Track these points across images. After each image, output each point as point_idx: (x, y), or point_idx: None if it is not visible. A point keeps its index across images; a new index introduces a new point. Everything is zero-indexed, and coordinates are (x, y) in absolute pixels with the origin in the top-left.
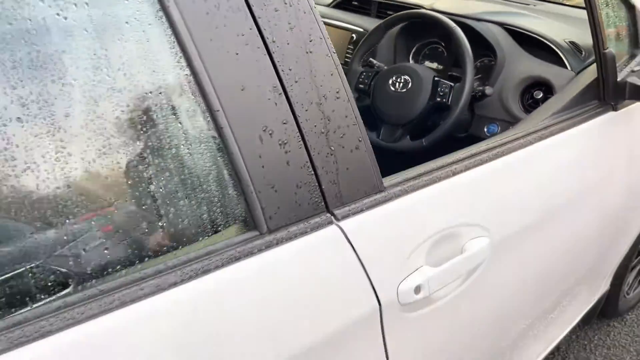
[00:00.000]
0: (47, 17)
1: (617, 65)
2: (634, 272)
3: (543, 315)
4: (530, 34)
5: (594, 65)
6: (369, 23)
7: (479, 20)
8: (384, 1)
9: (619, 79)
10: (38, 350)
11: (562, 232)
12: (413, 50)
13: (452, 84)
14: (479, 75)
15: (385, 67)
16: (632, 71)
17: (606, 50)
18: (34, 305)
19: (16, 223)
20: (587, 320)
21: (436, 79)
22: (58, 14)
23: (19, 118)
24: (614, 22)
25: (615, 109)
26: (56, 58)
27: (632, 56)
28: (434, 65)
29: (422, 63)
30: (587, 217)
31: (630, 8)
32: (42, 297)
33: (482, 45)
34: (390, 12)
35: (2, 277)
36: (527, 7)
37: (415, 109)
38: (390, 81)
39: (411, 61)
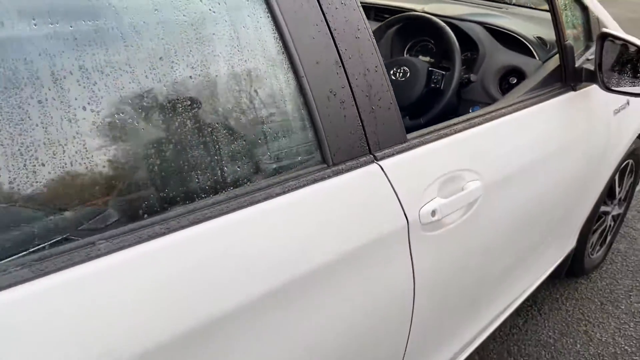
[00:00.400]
0: (205, 11)
1: (575, 54)
2: (596, 235)
3: (523, 257)
4: (505, 31)
5: (557, 55)
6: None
7: (463, 20)
8: (380, 6)
9: (576, 66)
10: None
11: (535, 185)
12: (407, 47)
13: (443, 72)
14: (465, 66)
15: (386, 61)
16: (587, 59)
17: (566, 43)
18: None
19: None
20: (558, 275)
21: (430, 69)
22: (210, 9)
23: (201, 72)
24: (571, 20)
25: (574, 89)
26: (213, 37)
27: (587, 47)
28: (427, 58)
29: (416, 57)
30: (555, 176)
31: (584, 9)
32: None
33: (466, 41)
34: (387, 16)
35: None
36: (502, 10)
37: (414, 94)
38: (392, 72)
39: (406, 55)
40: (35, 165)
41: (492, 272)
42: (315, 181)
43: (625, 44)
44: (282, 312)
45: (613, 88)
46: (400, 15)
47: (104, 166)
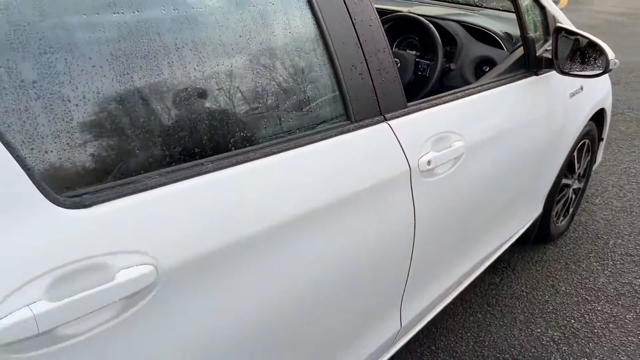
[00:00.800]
0: (268, 4)
1: (536, 46)
2: (559, 205)
3: (500, 212)
4: (478, 27)
5: (521, 46)
6: None
7: (443, 19)
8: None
9: (537, 55)
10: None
11: (507, 150)
12: (395, 43)
13: (428, 62)
14: (445, 58)
15: None
16: (546, 50)
17: (528, 36)
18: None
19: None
20: (528, 239)
21: (417, 60)
22: (271, 2)
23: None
24: (532, 18)
25: (536, 74)
26: (274, 23)
27: (545, 40)
28: (412, 52)
29: (404, 51)
30: (522, 145)
31: (542, 8)
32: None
33: (446, 37)
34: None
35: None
36: (475, 11)
37: (404, 81)
38: None
39: (395, 49)
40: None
41: (477, 220)
42: (342, 133)
43: (576, 36)
44: (316, 231)
45: (567, 72)
46: (389, 15)
47: (213, 117)
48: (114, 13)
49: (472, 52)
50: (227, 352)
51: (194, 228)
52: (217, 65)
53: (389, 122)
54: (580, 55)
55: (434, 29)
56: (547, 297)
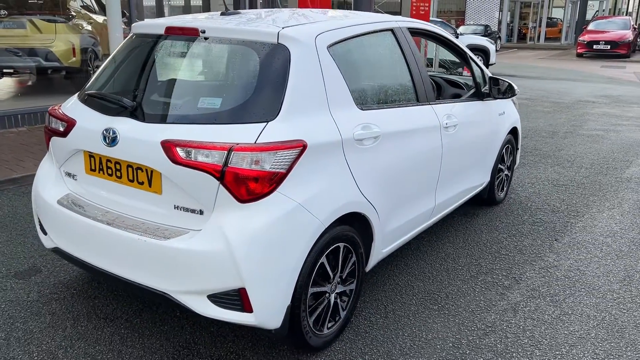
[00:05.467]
0: (388, 44)
1: (481, 87)
2: (498, 181)
3: (471, 164)
4: (452, 80)
5: (474, 88)
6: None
7: (434, 76)
8: None
9: (482, 90)
10: None
11: (470, 132)
12: None
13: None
14: (436, 94)
15: None
16: (485, 89)
17: (477, 81)
18: None
19: None
20: (484, 199)
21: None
22: (388, 44)
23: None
24: (477, 74)
25: (482, 100)
26: (395, 52)
27: (484, 84)
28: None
29: None
30: (477, 134)
31: (482, 70)
32: None
33: (436, 84)
34: None
35: None
36: (448, 72)
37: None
38: None
39: None
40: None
41: (464, 159)
42: (412, 105)
43: (499, 80)
44: (419, 135)
45: (497, 97)
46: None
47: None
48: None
49: (449, 91)
50: (397, 172)
51: (400, 126)
52: (391, 68)
53: (431, 105)
54: (500, 90)
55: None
56: (498, 232)
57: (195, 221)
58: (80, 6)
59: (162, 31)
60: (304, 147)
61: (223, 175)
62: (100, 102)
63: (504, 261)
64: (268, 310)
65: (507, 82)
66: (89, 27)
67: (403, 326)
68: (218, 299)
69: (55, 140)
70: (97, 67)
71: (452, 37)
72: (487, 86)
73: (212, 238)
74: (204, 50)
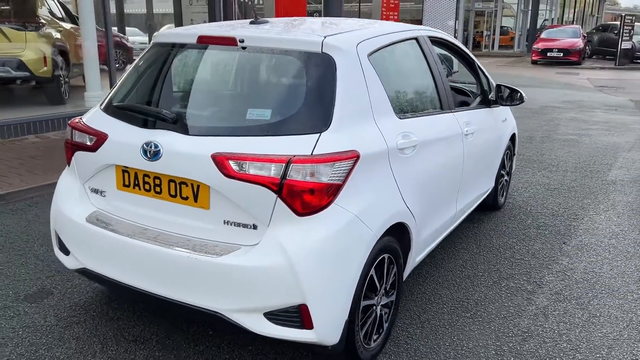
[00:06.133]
0: (416, 56)
1: (489, 94)
2: (500, 185)
3: (483, 169)
4: (460, 88)
5: (481, 95)
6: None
7: None
8: None
9: (488, 98)
10: None
11: (482, 137)
12: None
13: None
14: None
15: None
16: (492, 96)
17: (484, 89)
18: None
19: None
20: (488, 205)
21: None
22: (418, 56)
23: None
24: (485, 83)
25: (489, 107)
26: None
27: (491, 90)
28: None
29: None
30: (487, 138)
31: (487, 79)
32: None
33: None
34: None
35: None
36: (458, 83)
37: None
38: None
39: None
40: None
41: (478, 166)
42: (437, 113)
43: (506, 87)
44: (445, 143)
45: (505, 104)
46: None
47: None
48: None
49: (457, 99)
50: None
51: (432, 134)
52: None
53: (453, 112)
54: (507, 96)
55: None
56: (506, 236)
57: (247, 236)
58: (49, 13)
59: (193, 40)
60: (357, 157)
61: (281, 188)
62: (133, 115)
63: (520, 266)
64: (328, 326)
65: (514, 88)
66: (59, 36)
67: (442, 336)
68: (275, 316)
69: (80, 155)
70: (68, 77)
71: (464, 47)
72: (493, 93)
73: (270, 253)
74: (243, 60)
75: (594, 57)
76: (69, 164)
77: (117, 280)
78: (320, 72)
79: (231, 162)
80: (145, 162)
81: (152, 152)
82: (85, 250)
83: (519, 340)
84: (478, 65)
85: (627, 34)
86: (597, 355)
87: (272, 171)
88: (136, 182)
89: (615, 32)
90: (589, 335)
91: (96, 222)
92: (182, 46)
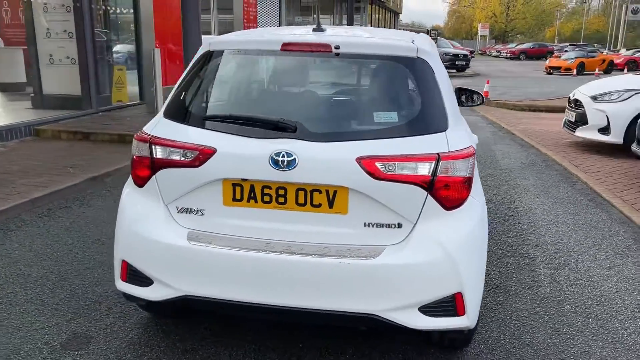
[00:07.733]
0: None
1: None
2: None
3: None
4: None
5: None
6: None
7: None
8: None
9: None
10: None
11: None
12: None
13: None
14: None
15: None
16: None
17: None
18: None
19: None
20: None
21: None
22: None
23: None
24: None
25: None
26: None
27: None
28: None
29: None
30: None
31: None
32: None
33: None
34: None
35: None
36: None
37: None
38: None
39: None
40: None
41: None
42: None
43: (467, 90)
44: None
45: (465, 105)
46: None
47: None
48: None
49: None
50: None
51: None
52: None
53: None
54: (469, 97)
55: None
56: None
57: (390, 236)
58: None
59: (277, 47)
60: (475, 152)
61: (432, 185)
62: (240, 126)
63: (504, 244)
64: (475, 310)
65: (474, 90)
66: None
67: (520, 311)
68: (430, 308)
69: (169, 172)
70: None
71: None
72: (456, 95)
73: (425, 248)
74: (339, 66)
75: None
76: (141, 184)
77: (236, 300)
78: (423, 75)
79: (378, 164)
80: (274, 173)
81: (285, 162)
82: (186, 275)
83: (555, 304)
84: None
85: None
86: (614, 306)
87: (423, 169)
88: (251, 195)
89: None
90: (598, 292)
91: (203, 243)
92: (261, 53)
